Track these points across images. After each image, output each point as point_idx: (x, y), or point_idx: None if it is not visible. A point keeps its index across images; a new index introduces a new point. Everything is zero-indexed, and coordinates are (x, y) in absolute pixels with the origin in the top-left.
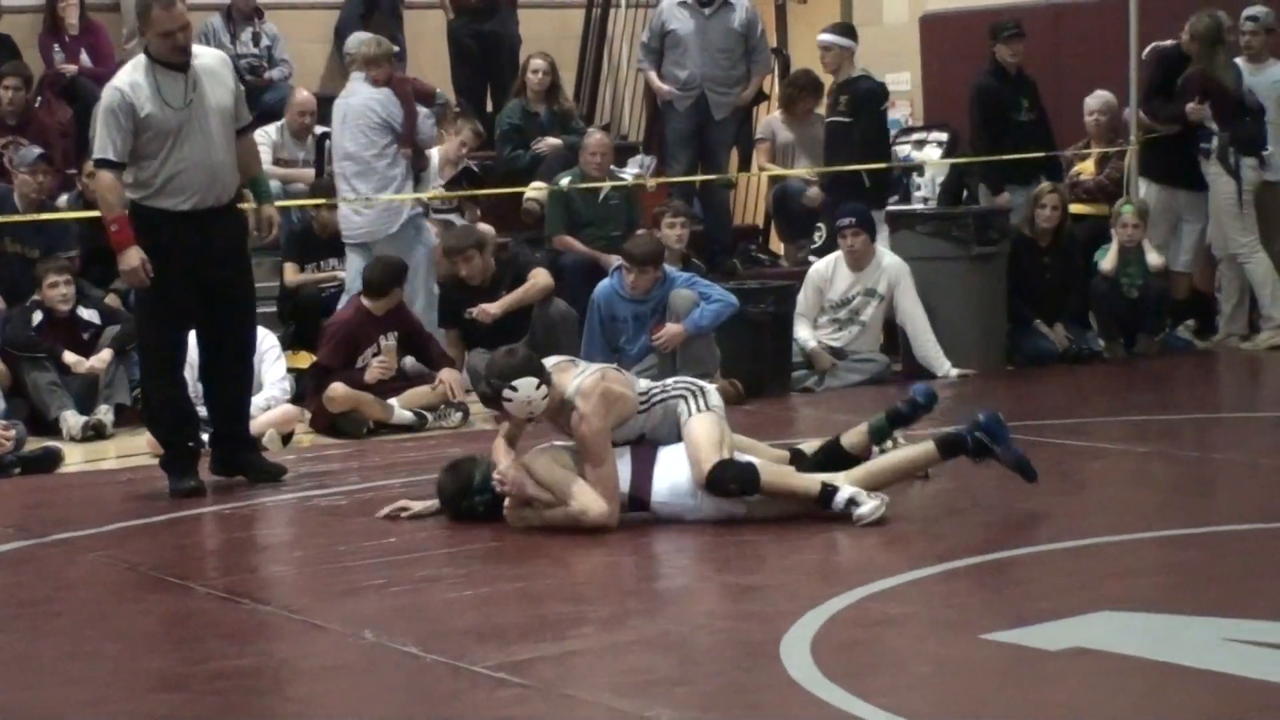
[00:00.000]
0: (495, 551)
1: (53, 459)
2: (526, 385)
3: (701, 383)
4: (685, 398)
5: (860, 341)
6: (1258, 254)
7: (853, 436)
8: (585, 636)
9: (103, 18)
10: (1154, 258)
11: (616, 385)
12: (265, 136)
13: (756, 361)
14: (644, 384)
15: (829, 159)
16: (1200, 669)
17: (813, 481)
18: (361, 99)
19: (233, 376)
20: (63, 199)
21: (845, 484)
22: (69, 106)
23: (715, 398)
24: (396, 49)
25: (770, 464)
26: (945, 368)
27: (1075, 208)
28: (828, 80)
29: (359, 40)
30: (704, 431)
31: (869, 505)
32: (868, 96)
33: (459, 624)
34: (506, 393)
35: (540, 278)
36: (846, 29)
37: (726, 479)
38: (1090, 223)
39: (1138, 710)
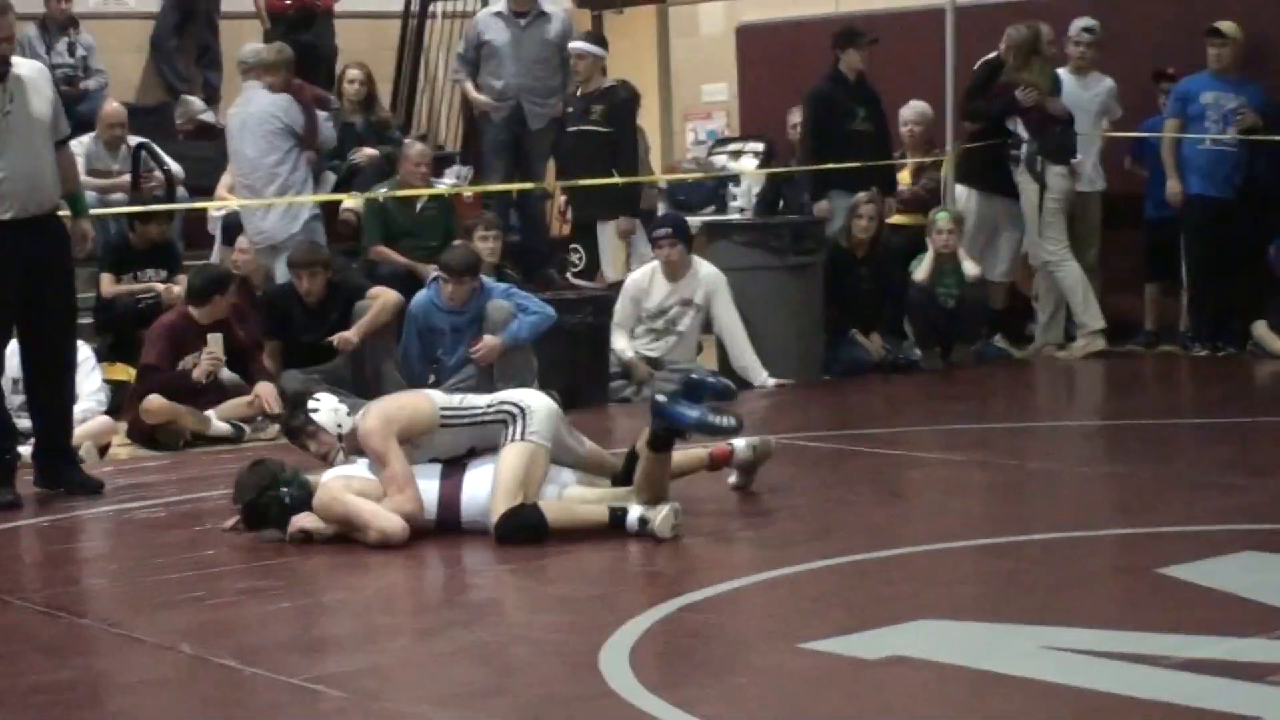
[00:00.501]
0: (314, 564)
1: None
2: (327, 399)
3: (527, 402)
4: (505, 423)
5: (677, 351)
6: (1068, 263)
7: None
8: (404, 648)
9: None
10: (970, 268)
11: (395, 400)
12: (79, 147)
13: (574, 372)
14: (460, 399)
15: (582, 169)
16: (1019, 676)
17: (600, 510)
18: (261, 105)
19: (56, 388)
20: None
21: (632, 504)
22: None
23: (536, 422)
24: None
25: (556, 503)
26: (763, 377)
27: (892, 218)
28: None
29: (255, 49)
30: (508, 467)
31: (660, 517)
32: (624, 106)
33: (277, 636)
34: (310, 404)
35: (387, 296)
36: (597, 38)
37: (511, 532)
38: (907, 232)
39: (957, 718)
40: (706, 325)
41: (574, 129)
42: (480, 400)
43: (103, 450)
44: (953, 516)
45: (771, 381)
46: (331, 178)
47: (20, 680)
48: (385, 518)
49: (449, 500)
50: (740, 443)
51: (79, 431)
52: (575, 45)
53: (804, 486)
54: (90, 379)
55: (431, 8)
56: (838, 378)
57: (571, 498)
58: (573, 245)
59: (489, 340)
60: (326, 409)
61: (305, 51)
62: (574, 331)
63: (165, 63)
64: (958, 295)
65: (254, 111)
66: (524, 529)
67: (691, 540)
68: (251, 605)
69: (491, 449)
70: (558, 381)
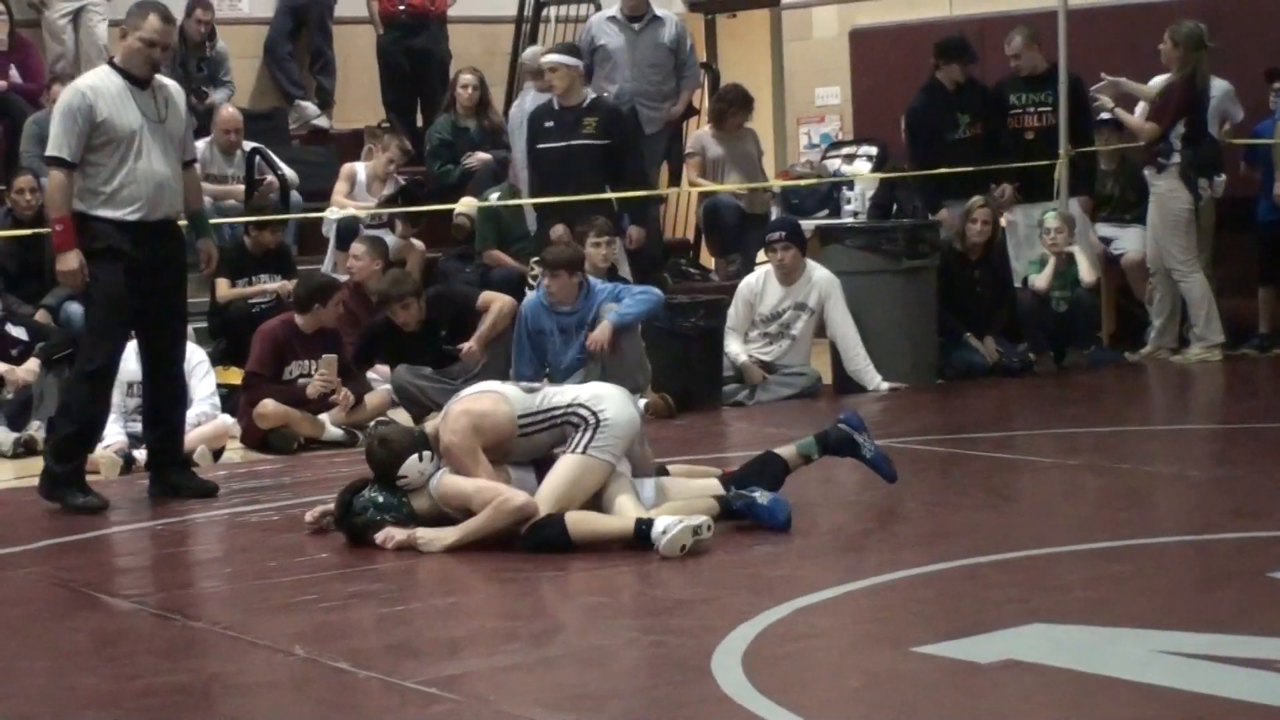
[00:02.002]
0: (425, 567)
1: None
2: (411, 466)
3: (606, 414)
4: (576, 427)
5: (791, 355)
6: (1195, 274)
7: (787, 450)
8: (515, 651)
9: (32, 34)
10: (1085, 273)
11: (477, 404)
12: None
13: (687, 375)
14: (540, 399)
15: (576, 185)
16: (1132, 681)
17: (627, 522)
18: (524, 107)
19: (171, 391)
20: None
21: (663, 515)
22: None
23: (607, 438)
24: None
25: (582, 513)
26: (875, 381)
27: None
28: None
29: (533, 53)
30: (558, 477)
31: (670, 536)
32: (617, 116)
33: (390, 639)
34: (400, 483)
35: (502, 302)
36: (570, 49)
37: (534, 545)
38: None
39: None
40: (820, 329)
41: (564, 143)
42: (562, 399)
43: (217, 454)
44: (1065, 520)
45: (885, 385)
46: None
47: (134, 683)
48: (513, 490)
49: None
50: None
51: (193, 435)
52: (550, 58)
53: (916, 490)
54: (204, 383)
55: (545, 12)
56: (951, 381)
57: (624, 508)
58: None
59: (600, 326)
60: (415, 476)
61: (418, 57)
62: (687, 335)
63: (279, 68)
64: (1071, 299)
65: (524, 110)
66: (544, 543)
67: (803, 543)
68: (364, 608)
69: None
70: (671, 385)
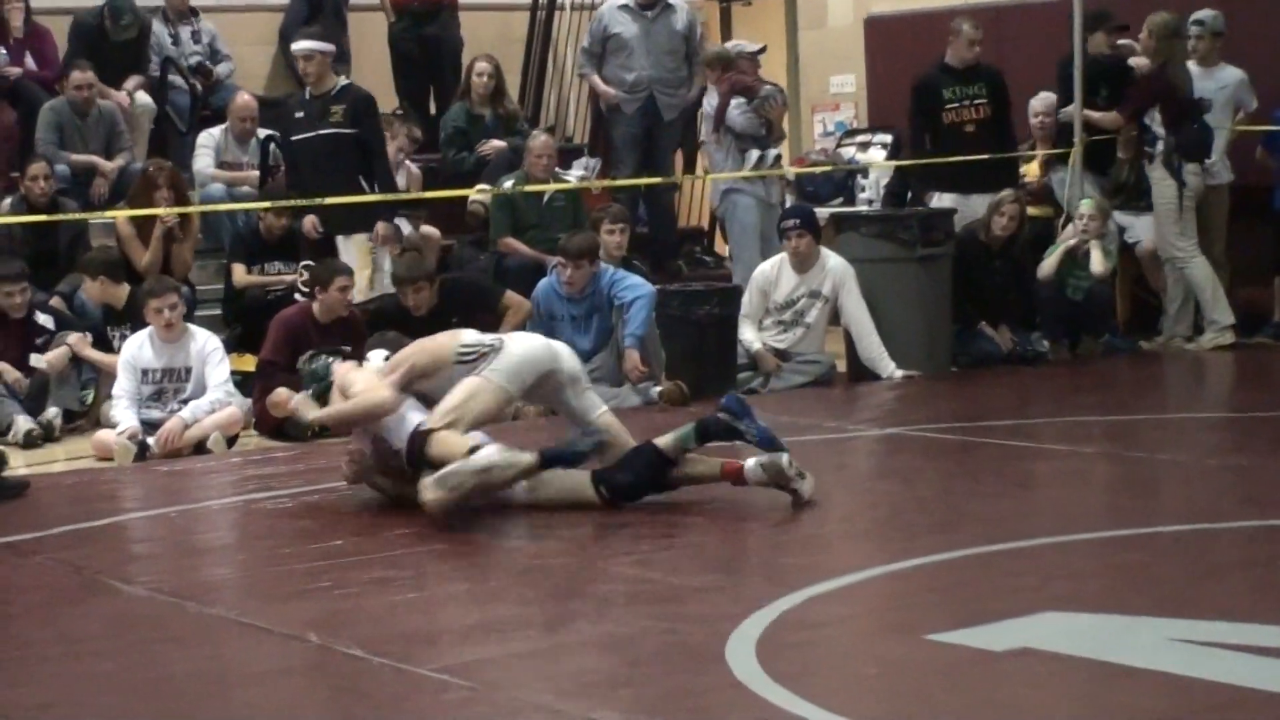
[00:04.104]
0: (439, 554)
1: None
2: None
3: (506, 344)
4: (484, 356)
5: (805, 343)
6: (1196, 259)
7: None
8: (530, 638)
9: (48, 21)
10: (1098, 263)
11: (422, 341)
12: (210, 139)
13: (701, 363)
14: (478, 339)
15: (327, 175)
16: (1147, 669)
17: (465, 444)
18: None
19: None
20: (5, 203)
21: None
22: (12, 109)
23: (500, 361)
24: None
25: (445, 433)
26: (890, 369)
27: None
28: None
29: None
30: (449, 395)
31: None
32: (367, 105)
33: (403, 626)
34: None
35: (521, 305)
36: (320, 34)
37: (412, 458)
38: (1036, 224)
39: (1084, 711)
40: (834, 317)
41: (311, 134)
42: (494, 338)
43: (231, 441)
44: (1079, 508)
45: (899, 373)
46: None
47: (149, 670)
48: (388, 392)
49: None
50: (750, 462)
51: (208, 422)
52: (302, 45)
53: (930, 478)
54: (219, 370)
55: None
56: (965, 369)
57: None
58: (304, 263)
59: (628, 358)
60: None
61: (430, 44)
62: (702, 323)
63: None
64: (1086, 288)
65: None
66: (411, 455)
67: (817, 531)
68: (378, 596)
69: None
70: (685, 373)
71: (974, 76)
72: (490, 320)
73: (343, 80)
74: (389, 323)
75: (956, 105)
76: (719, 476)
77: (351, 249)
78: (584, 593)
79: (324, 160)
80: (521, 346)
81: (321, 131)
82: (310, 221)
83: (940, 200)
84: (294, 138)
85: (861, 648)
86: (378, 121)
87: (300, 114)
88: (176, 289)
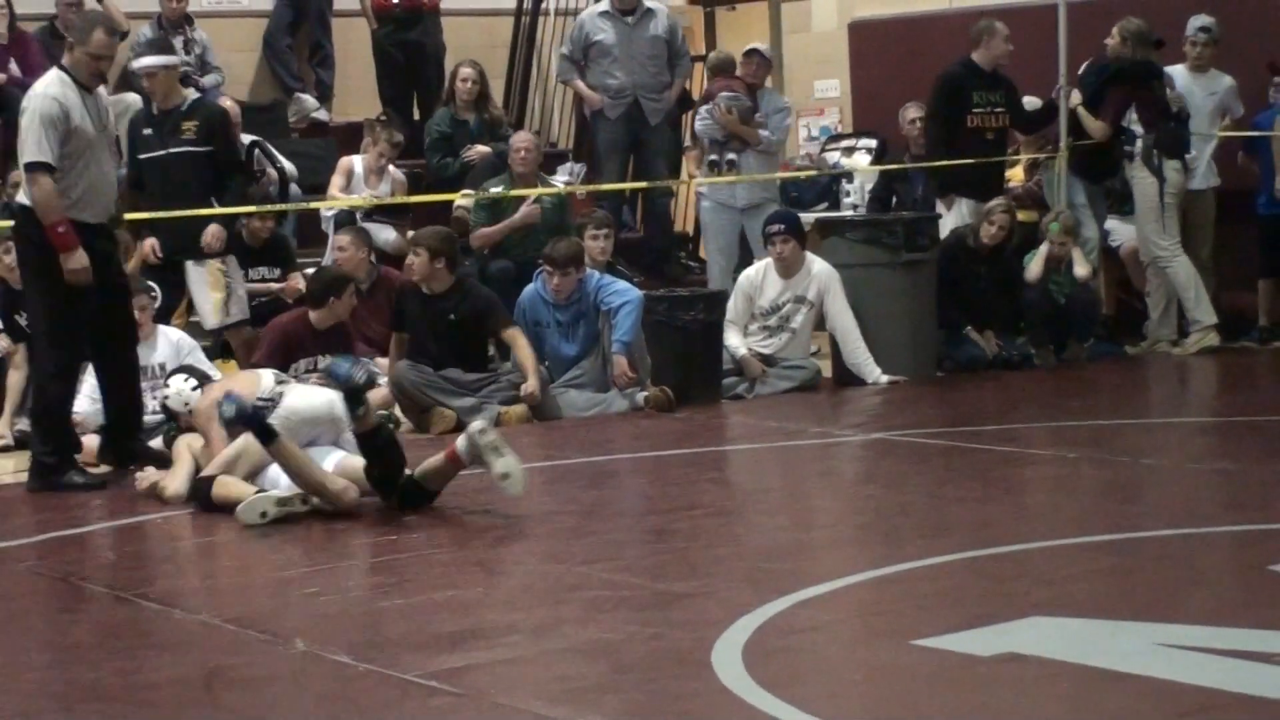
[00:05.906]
0: (427, 560)
1: None
2: (175, 380)
3: (288, 401)
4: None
5: (790, 349)
6: (1179, 258)
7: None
8: (516, 644)
9: (32, 28)
10: (1080, 268)
11: (233, 382)
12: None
13: (687, 369)
14: (278, 390)
15: (178, 195)
16: (1132, 674)
17: (246, 490)
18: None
19: (130, 367)
20: None
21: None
22: None
23: (275, 414)
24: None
25: (225, 478)
26: (875, 374)
27: None
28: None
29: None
30: (228, 449)
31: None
32: (221, 119)
33: (390, 632)
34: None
35: (523, 347)
36: (165, 47)
37: (195, 497)
38: (1021, 229)
39: (1071, 715)
40: (820, 322)
41: (161, 152)
42: (280, 392)
43: None
44: (1065, 513)
45: (884, 378)
46: None
47: (135, 677)
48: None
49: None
50: (459, 440)
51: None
52: (142, 62)
53: (916, 483)
54: (204, 363)
55: (544, 5)
56: (951, 374)
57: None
58: (148, 283)
59: (616, 363)
60: (174, 394)
61: (412, 49)
62: (687, 328)
63: (278, 61)
64: (1070, 292)
65: None
66: (194, 495)
67: (803, 536)
68: (365, 601)
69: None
70: (671, 378)
71: (996, 83)
72: (484, 331)
73: (193, 95)
74: (409, 301)
75: (983, 111)
76: (445, 464)
77: (202, 273)
78: (570, 599)
79: (175, 179)
80: (302, 402)
81: (172, 150)
82: (150, 244)
83: (958, 205)
84: (141, 156)
85: (848, 653)
86: (232, 135)
87: (149, 130)
88: (146, 289)
